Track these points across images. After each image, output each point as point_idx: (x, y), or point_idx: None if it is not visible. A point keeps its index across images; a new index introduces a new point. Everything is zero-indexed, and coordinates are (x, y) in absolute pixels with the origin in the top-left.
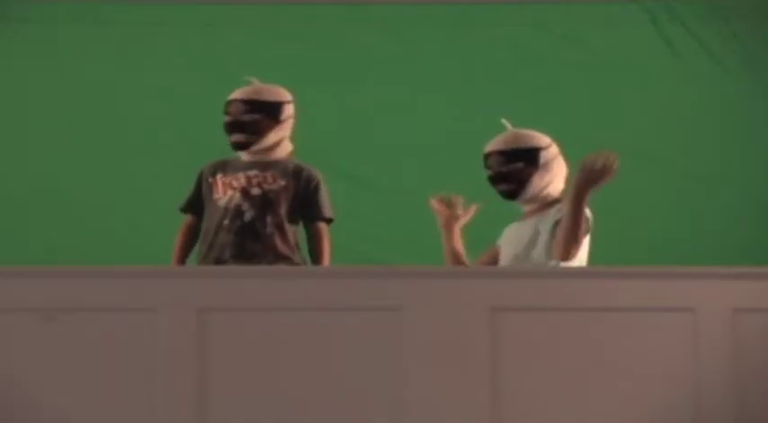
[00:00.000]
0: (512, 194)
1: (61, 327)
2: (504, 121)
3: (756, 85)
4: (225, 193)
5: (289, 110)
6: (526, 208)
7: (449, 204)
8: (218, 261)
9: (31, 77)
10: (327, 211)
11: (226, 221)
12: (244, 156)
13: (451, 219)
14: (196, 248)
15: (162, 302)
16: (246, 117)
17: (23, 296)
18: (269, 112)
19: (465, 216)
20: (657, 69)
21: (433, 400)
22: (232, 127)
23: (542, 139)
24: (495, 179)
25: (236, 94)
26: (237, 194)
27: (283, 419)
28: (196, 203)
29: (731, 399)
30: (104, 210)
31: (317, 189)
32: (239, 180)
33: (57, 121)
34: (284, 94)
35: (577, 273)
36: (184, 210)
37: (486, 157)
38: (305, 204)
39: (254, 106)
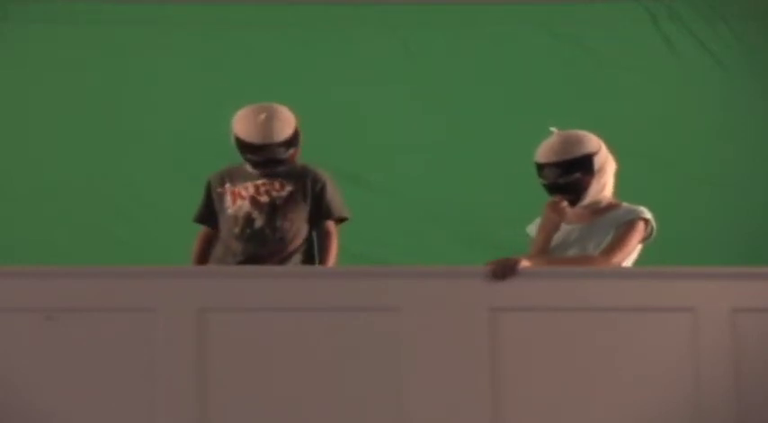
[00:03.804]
0: (570, 203)
1: (61, 327)
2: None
3: (756, 85)
4: (234, 202)
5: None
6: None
7: (560, 212)
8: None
9: (31, 77)
10: (337, 210)
11: (236, 229)
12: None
13: (559, 224)
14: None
15: (162, 302)
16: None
17: (23, 296)
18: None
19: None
20: (657, 69)
21: (433, 400)
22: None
23: (592, 143)
24: (552, 189)
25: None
26: (246, 203)
27: (283, 419)
28: (207, 213)
29: (731, 399)
30: (104, 209)
31: (323, 190)
32: (248, 189)
33: (57, 121)
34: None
35: (577, 273)
36: (197, 221)
37: (541, 167)
38: (313, 206)
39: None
